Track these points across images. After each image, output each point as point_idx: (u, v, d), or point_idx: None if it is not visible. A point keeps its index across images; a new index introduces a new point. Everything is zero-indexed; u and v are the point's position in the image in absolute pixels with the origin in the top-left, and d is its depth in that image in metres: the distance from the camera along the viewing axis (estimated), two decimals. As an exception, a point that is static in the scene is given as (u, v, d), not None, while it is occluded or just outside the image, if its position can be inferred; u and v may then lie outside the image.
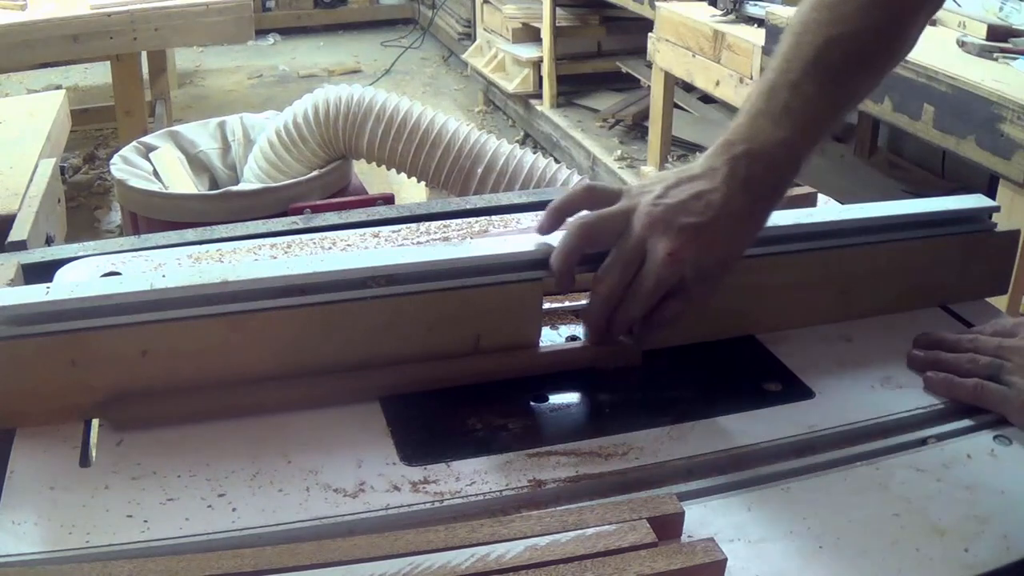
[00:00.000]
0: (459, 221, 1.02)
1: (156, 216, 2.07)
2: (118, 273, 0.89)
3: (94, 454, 0.74)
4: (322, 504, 0.68)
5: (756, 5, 2.39)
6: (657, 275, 0.78)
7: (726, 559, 0.60)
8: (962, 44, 1.84)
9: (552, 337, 0.92)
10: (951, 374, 0.82)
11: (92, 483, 0.69)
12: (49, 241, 1.45)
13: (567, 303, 0.97)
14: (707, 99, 3.50)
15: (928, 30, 2.12)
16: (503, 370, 0.82)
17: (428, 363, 0.81)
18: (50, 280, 0.87)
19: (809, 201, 1.05)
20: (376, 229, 1.00)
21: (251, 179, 2.26)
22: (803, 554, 0.66)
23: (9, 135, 1.77)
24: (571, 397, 0.83)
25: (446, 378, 0.81)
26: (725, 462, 0.75)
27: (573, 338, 0.89)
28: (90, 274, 0.89)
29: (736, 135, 0.79)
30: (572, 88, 4.01)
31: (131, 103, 3.19)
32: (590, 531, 0.61)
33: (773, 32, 2.16)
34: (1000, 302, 1.03)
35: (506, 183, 2.17)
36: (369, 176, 2.73)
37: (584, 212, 0.82)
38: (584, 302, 0.96)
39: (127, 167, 2.17)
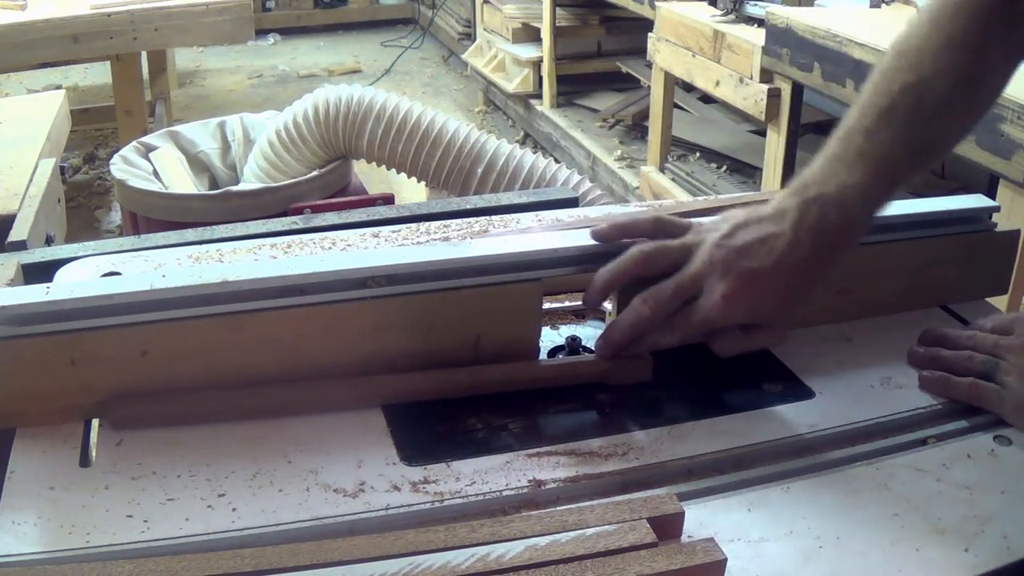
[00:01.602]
0: (459, 221, 1.02)
1: (156, 216, 2.07)
2: (118, 273, 0.89)
3: (94, 454, 0.74)
4: (322, 504, 0.68)
5: (756, 5, 2.39)
6: (706, 313, 0.78)
7: (726, 559, 0.60)
8: (962, 44, 1.84)
9: (552, 337, 0.92)
10: (949, 372, 0.82)
11: (92, 483, 0.69)
12: (49, 241, 1.45)
13: (567, 303, 0.97)
14: (707, 99, 3.50)
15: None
16: (510, 382, 0.82)
17: (431, 374, 0.81)
18: (50, 280, 0.87)
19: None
20: (376, 229, 1.00)
21: (251, 179, 2.26)
22: (803, 554, 0.66)
23: (9, 135, 1.77)
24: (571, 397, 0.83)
25: (450, 389, 0.81)
26: (725, 462, 0.75)
27: (573, 338, 0.89)
28: (90, 274, 0.89)
29: (810, 178, 0.78)
30: (572, 88, 4.01)
31: (131, 103, 3.19)
32: (590, 531, 0.61)
33: (773, 32, 2.16)
34: (1000, 302, 1.03)
35: (506, 183, 2.17)
36: (369, 176, 2.73)
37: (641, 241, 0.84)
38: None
39: (127, 167, 2.17)
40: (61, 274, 0.90)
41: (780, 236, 0.77)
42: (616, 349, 0.82)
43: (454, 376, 0.81)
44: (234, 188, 2.18)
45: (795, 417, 0.80)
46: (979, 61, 0.77)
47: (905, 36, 0.80)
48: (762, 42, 2.22)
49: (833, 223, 0.77)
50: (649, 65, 2.92)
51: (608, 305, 0.89)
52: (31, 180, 1.55)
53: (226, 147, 2.40)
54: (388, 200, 1.79)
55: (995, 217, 0.98)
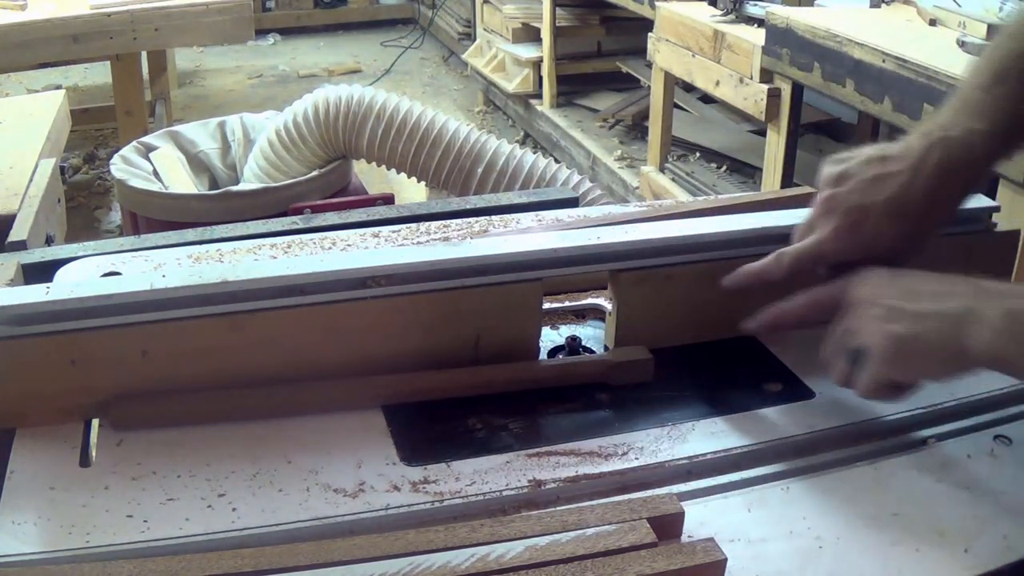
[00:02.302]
0: (459, 221, 1.02)
1: (156, 216, 2.07)
2: (118, 273, 0.89)
3: (94, 454, 0.74)
4: (322, 504, 0.68)
5: (756, 5, 2.39)
6: (818, 248, 0.80)
7: (726, 559, 0.60)
8: (962, 44, 1.84)
9: (552, 337, 0.92)
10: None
11: (92, 483, 0.69)
12: (49, 241, 1.45)
13: (567, 303, 0.97)
14: (707, 99, 3.50)
15: (928, 30, 2.12)
16: (510, 382, 0.82)
17: (431, 374, 0.81)
18: (50, 280, 0.87)
19: (809, 201, 1.05)
20: (376, 229, 1.00)
21: (251, 179, 2.26)
22: (803, 554, 0.66)
23: (9, 135, 1.77)
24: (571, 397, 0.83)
25: (450, 389, 0.81)
26: (725, 462, 0.75)
27: (573, 338, 0.89)
28: (90, 274, 0.89)
29: (935, 125, 0.80)
30: (572, 88, 4.01)
31: (131, 103, 3.18)
32: (590, 531, 0.61)
33: (773, 32, 2.16)
34: (1000, 302, 1.03)
35: (506, 183, 2.16)
36: (369, 176, 2.73)
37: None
38: (588, 301, 0.97)
39: (127, 167, 2.17)
40: (61, 274, 0.90)
41: (898, 174, 0.78)
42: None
43: (454, 376, 0.81)
44: (234, 188, 2.18)
45: (795, 417, 0.80)
46: None
47: (1016, 19, 0.86)
48: (762, 42, 2.22)
49: (957, 164, 0.78)
50: (649, 65, 2.92)
51: (608, 305, 0.89)
52: (31, 180, 1.55)
53: (226, 147, 2.40)
54: (388, 200, 1.78)
55: (995, 217, 0.98)
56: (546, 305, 0.90)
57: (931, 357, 0.70)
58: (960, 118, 0.80)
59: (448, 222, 1.02)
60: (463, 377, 0.82)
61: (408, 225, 1.02)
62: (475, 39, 4.72)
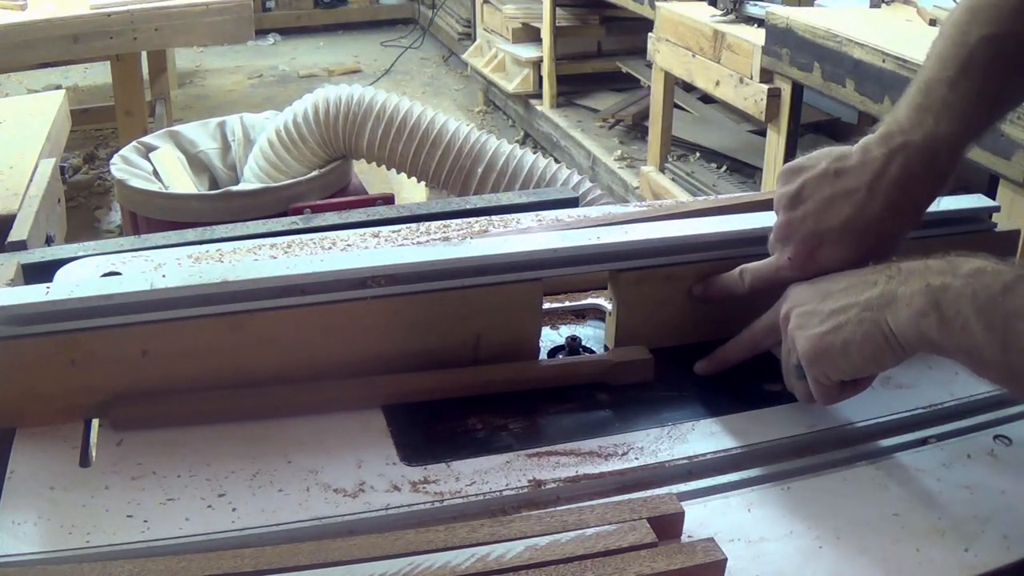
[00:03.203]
0: (459, 221, 1.02)
1: (156, 216, 2.07)
2: (118, 273, 0.89)
3: (94, 454, 0.74)
4: (322, 504, 0.68)
5: (756, 5, 2.39)
6: (775, 275, 0.81)
7: (726, 559, 0.60)
8: (962, 44, 1.84)
9: (552, 337, 0.92)
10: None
11: (92, 483, 0.69)
12: (49, 241, 1.45)
13: (567, 303, 0.97)
14: (707, 99, 3.50)
15: (928, 30, 2.12)
16: (510, 382, 0.82)
17: (431, 374, 0.81)
18: (50, 280, 0.87)
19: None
20: (376, 229, 1.00)
21: (251, 179, 2.26)
22: (803, 554, 0.66)
23: (9, 135, 1.77)
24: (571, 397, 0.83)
25: (450, 389, 0.81)
26: (725, 462, 0.75)
27: (573, 338, 0.89)
28: (90, 274, 0.89)
29: (895, 127, 0.77)
30: (572, 88, 4.01)
31: (131, 103, 3.18)
32: (590, 531, 0.61)
33: (773, 32, 2.16)
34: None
35: (506, 183, 2.16)
36: (369, 176, 2.73)
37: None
38: (588, 301, 0.97)
39: (127, 167, 2.17)
40: (61, 274, 0.90)
41: (854, 192, 0.76)
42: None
43: (454, 376, 0.81)
44: (234, 188, 2.18)
45: (795, 417, 0.80)
46: None
47: None
48: (762, 42, 2.22)
49: (918, 174, 0.76)
50: (649, 65, 2.92)
51: (608, 305, 0.89)
52: (31, 180, 1.55)
53: (226, 147, 2.40)
54: (388, 200, 1.79)
55: (995, 217, 0.98)
56: (546, 305, 0.90)
57: (856, 348, 0.70)
58: (922, 118, 0.77)
59: (448, 222, 1.02)
60: (463, 377, 0.82)
61: (408, 225, 1.01)
62: (475, 39, 4.72)
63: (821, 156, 0.80)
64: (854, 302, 0.71)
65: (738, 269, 0.84)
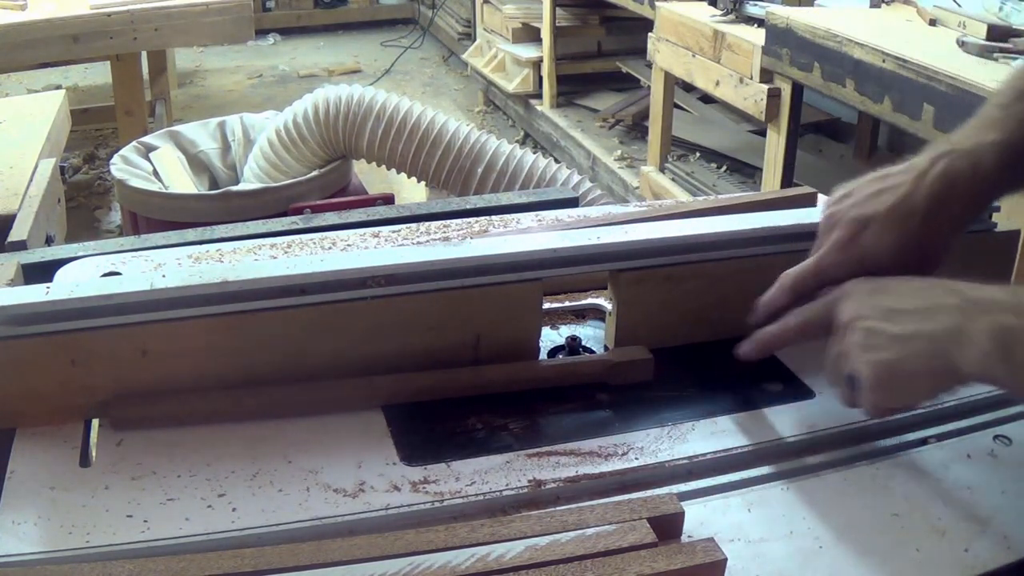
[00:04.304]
0: (459, 221, 1.02)
1: (156, 216, 2.07)
2: (118, 273, 0.89)
3: (94, 454, 0.74)
4: (322, 504, 0.68)
5: (756, 5, 2.39)
6: (822, 263, 0.80)
7: (726, 559, 0.60)
8: (962, 44, 1.84)
9: (552, 337, 0.92)
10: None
11: (92, 483, 0.69)
12: (49, 241, 1.45)
13: (567, 303, 0.97)
14: (707, 99, 3.50)
15: (928, 30, 2.12)
16: (510, 382, 0.82)
17: (431, 374, 0.81)
18: (50, 280, 0.87)
19: (809, 201, 1.05)
20: (376, 229, 1.00)
21: (251, 179, 2.26)
22: (803, 554, 0.66)
23: (9, 135, 1.77)
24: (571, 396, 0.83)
25: (450, 389, 0.81)
26: (725, 462, 0.75)
27: (573, 338, 0.89)
28: (90, 274, 0.89)
29: (946, 141, 0.79)
30: (572, 88, 4.01)
31: (131, 103, 3.18)
32: (590, 531, 0.61)
33: (773, 32, 2.16)
34: (1000, 302, 1.02)
35: (506, 183, 2.16)
36: (369, 176, 2.73)
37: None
38: (588, 301, 0.97)
39: (127, 167, 2.17)
40: (61, 274, 0.90)
41: (900, 185, 0.78)
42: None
43: (454, 376, 0.81)
44: (234, 188, 2.18)
45: (795, 417, 0.80)
46: None
47: None
48: (762, 42, 2.22)
49: (961, 174, 0.77)
50: (649, 65, 2.92)
51: (608, 305, 0.89)
52: (31, 180, 1.55)
53: (226, 147, 2.40)
54: (388, 200, 1.78)
55: (995, 217, 0.98)
56: (546, 305, 0.90)
57: (920, 380, 0.69)
58: (972, 133, 0.79)
59: (448, 222, 1.02)
60: (463, 377, 0.82)
61: (408, 225, 1.01)
62: (475, 39, 4.72)
63: (869, 174, 0.82)
64: (923, 331, 0.69)
65: (778, 280, 0.82)
